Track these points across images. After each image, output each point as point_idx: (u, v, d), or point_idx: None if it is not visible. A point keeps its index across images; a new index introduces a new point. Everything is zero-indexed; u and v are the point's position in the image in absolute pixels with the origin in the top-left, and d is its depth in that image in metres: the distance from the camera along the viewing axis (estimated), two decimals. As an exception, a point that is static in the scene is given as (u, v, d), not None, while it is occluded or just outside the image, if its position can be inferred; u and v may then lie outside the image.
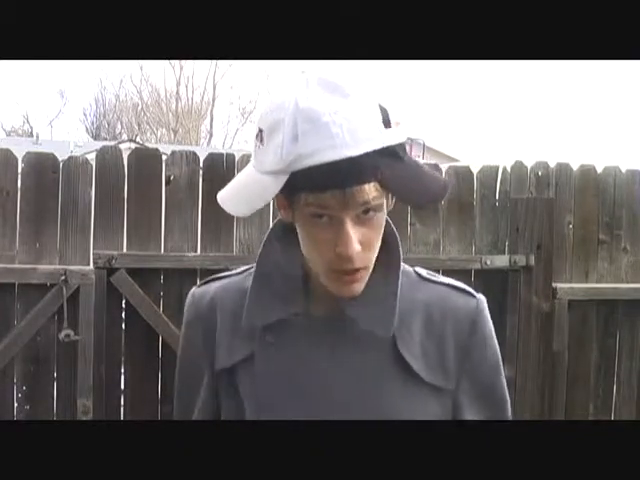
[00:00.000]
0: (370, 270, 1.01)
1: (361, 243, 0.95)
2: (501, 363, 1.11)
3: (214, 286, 1.14)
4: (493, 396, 1.09)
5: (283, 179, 0.93)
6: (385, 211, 0.99)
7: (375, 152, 0.91)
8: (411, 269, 1.11)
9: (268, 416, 1.03)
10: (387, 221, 1.03)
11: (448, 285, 1.10)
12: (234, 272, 1.15)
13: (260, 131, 0.96)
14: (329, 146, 0.90)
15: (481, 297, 1.11)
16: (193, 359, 1.13)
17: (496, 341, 1.11)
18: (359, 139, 0.90)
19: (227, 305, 1.10)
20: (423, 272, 1.11)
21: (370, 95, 0.94)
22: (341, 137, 0.90)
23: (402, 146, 0.95)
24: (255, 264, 1.08)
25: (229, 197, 1.02)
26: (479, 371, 1.08)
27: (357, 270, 0.98)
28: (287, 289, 1.05)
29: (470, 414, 1.05)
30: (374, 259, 1.00)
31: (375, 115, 0.93)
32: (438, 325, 1.06)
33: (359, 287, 1.00)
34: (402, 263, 1.07)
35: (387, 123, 0.93)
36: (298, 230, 1.00)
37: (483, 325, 1.09)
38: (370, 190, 0.92)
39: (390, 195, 0.98)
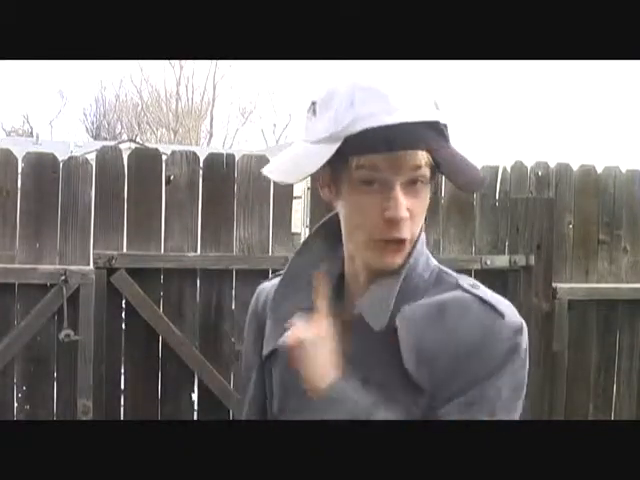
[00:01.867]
0: (411, 246, 1.01)
1: (409, 212, 0.96)
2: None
3: (273, 282, 1.16)
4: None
5: (336, 145, 0.94)
6: (429, 188, 1.00)
7: (427, 126, 0.94)
8: (454, 277, 1.06)
9: (286, 410, 1.06)
10: None
11: (481, 299, 1.01)
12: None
13: (313, 103, 1.00)
14: (384, 111, 0.93)
15: (515, 321, 0.99)
16: (248, 351, 1.18)
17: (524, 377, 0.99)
18: (414, 109, 0.94)
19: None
20: (465, 282, 1.04)
21: (425, 84, 0.99)
22: (397, 104, 0.93)
23: (447, 129, 0.98)
24: (289, 261, 1.11)
25: (276, 167, 1.04)
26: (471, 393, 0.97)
27: (402, 240, 0.98)
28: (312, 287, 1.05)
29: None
30: (416, 235, 1.01)
31: (429, 96, 0.97)
32: (448, 326, 0.99)
33: (400, 259, 1.00)
34: (444, 268, 1.08)
35: (436, 106, 0.98)
36: (342, 207, 1.01)
37: (498, 344, 0.97)
38: (422, 157, 0.95)
39: (435, 180, 1.00)
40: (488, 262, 3.03)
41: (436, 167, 0.97)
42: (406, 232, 0.97)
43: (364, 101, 0.94)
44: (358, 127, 0.93)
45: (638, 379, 3.30)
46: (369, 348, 1.02)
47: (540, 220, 3.06)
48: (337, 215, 1.06)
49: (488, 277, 3.08)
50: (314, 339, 0.99)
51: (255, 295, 1.19)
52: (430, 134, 0.95)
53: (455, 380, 0.97)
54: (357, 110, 0.94)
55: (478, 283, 1.05)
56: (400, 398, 0.99)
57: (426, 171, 0.97)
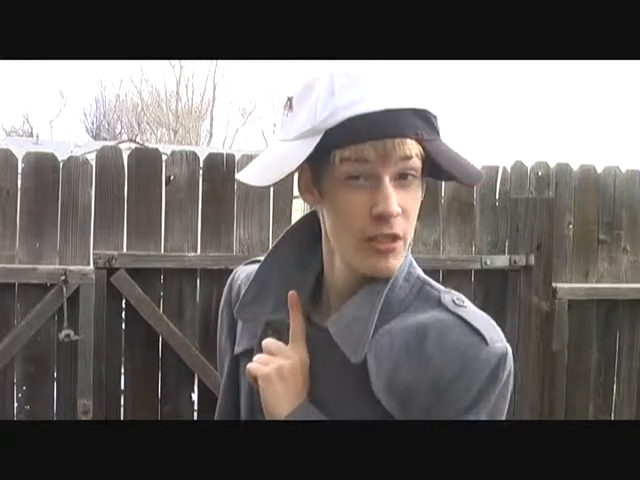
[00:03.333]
0: (406, 248, 0.92)
1: (401, 208, 0.88)
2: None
3: (248, 270, 1.08)
4: None
5: (316, 139, 0.87)
6: (421, 186, 0.92)
7: (415, 113, 0.88)
8: (437, 292, 0.96)
9: (256, 415, 1.01)
10: None
11: (463, 320, 0.91)
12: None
13: (289, 99, 0.93)
14: (368, 98, 0.86)
15: (495, 347, 0.89)
16: (221, 340, 1.11)
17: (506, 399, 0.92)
18: (399, 96, 0.88)
19: None
20: (447, 299, 0.94)
21: (406, 71, 0.93)
22: (380, 91, 0.87)
23: (437, 120, 0.91)
24: (261, 262, 1.03)
25: (251, 171, 0.95)
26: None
27: (395, 239, 0.89)
28: (284, 292, 0.98)
29: None
30: (410, 237, 0.92)
31: (413, 84, 0.91)
32: (425, 352, 0.90)
33: (395, 263, 0.91)
34: (429, 282, 0.97)
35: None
36: (326, 208, 0.92)
37: (478, 373, 0.89)
38: (412, 146, 0.87)
39: (426, 176, 0.92)
40: (488, 262, 3.03)
41: (430, 160, 0.88)
42: (398, 228, 0.89)
43: (345, 89, 0.87)
44: (340, 117, 0.86)
45: (638, 379, 3.31)
46: (341, 374, 0.94)
47: (540, 220, 3.06)
48: (314, 214, 0.99)
49: (488, 277, 3.09)
50: (280, 370, 0.93)
51: (229, 282, 1.10)
52: (419, 122, 0.87)
53: (429, 414, 0.89)
54: (338, 99, 0.86)
55: (462, 297, 0.95)
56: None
57: (417, 163, 0.88)
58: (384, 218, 0.87)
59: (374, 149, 0.86)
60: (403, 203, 0.88)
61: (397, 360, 0.91)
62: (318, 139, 0.87)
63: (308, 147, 0.88)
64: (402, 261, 0.94)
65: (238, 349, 1.06)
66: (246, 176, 0.95)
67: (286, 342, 0.98)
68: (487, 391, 0.89)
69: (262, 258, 1.06)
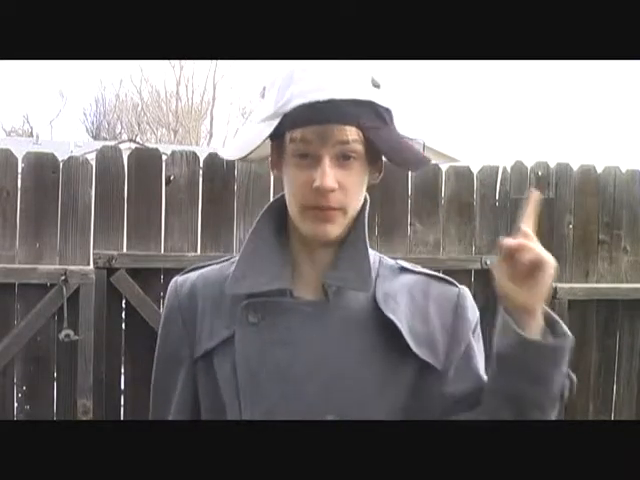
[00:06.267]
0: (348, 217, 1.05)
1: (338, 184, 1.01)
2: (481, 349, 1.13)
3: (195, 274, 1.15)
4: (477, 379, 1.09)
5: (274, 123, 1.02)
6: (366, 165, 1.04)
7: (360, 103, 1.00)
8: (393, 261, 1.15)
9: (247, 398, 1.03)
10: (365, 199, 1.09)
11: (430, 275, 1.15)
12: (216, 262, 1.17)
13: (263, 88, 1.06)
14: (317, 89, 0.99)
15: (464, 287, 1.15)
16: (173, 348, 1.13)
17: (479, 328, 1.14)
18: (346, 88, 1.00)
19: (208, 290, 1.11)
20: (405, 264, 1.16)
21: (364, 67, 1.03)
22: (330, 83, 1.00)
23: (389, 112, 1.03)
24: (245, 241, 1.12)
25: (229, 147, 1.13)
26: (464, 352, 1.10)
27: (332, 210, 1.02)
28: (274, 266, 1.07)
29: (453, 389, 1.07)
30: (353, 206, 1.05)
31: (365, 77, 1.02)
32: (421, 307, 1.10)
33: (333, 230, 1.04)
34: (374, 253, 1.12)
35: (376, 87, 1.03)
36: (284, 180, 1.07)
37: (466, 310, 1.12)
38: (351, 132, 1.00)
39: (374, 162, 1.05)
40: (488, 262, 3.03)
41: (372, 145, 1.01)
42: (334, 201, 1.01)
43: (300, 81, 1.00)
44: (292, 104, 1.00)
45: (638, 379, 3.30)
46: (353, 331, 1.05)
47: (540, 220, 3.05)
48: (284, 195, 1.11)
49: (488, 277, 3.08)
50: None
51: (173, 290, 1.15)
52: (362, 112, 1.00)
53: (449, 352, 1.08)
54: (293, 89, 1.00)
55: (409, 263, 1.16)
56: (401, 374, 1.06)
57: (356, 147, 1.01)
58: (321, 192, 1.00)
59: (316, 133, 1.00)
60: (342, 179, 1.01)
61: (408, 315, 1.07)
62: (276, 122, 1.01)
63: (268, 128, 1.02)
64: (360, 225, 1.07)
65: (210, 344, 1.08)
66: (224, 152, 1.13)
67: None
68: (471, 318, 1.12)
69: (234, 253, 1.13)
